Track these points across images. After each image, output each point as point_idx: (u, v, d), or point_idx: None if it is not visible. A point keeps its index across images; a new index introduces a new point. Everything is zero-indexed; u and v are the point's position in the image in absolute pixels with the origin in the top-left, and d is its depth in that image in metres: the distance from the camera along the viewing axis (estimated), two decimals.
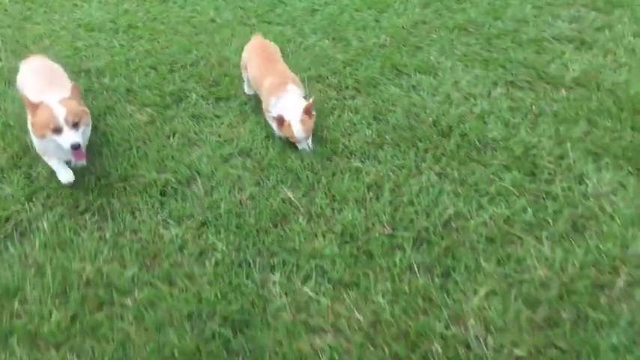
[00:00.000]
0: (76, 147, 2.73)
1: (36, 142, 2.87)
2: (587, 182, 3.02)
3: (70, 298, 2.40)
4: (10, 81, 3.68)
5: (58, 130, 2.70)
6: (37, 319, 2.31)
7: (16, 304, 2.37)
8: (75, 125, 2.74)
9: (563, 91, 3.78)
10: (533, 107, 3.62)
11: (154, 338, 2.24)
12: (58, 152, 2.84)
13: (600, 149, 3.24)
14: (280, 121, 3.18)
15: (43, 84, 3.06)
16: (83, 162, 2.90)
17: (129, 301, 2.39)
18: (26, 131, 3.07)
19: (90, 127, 2.99)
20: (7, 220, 2.78)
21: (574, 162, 3.16)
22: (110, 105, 3.63)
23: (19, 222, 2.76)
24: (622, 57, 4.11)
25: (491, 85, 3.87)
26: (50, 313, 2.33)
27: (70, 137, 2.71)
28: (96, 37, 4.48)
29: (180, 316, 2.34)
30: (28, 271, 2.52)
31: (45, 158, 2.96)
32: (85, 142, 2.90)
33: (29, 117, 2.82)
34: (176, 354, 2.19)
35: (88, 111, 2.94)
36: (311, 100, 3.22)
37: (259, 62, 3.52)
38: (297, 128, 3.14)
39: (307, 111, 3.19)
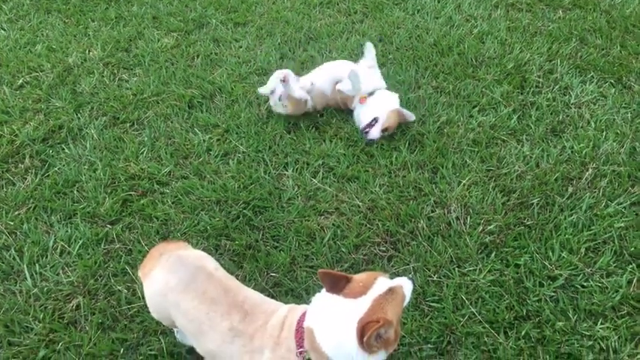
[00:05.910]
0: None
1: None
2: (571, 93, 3.32)
3: (119, 189, 2.89)
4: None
5: None
6: (94, 204, 2.81)
7: (76, 192, 2.88)
8: None
9: (560, 12, 3.99)
10: (530, 27, 3.86)
11: (190, 217, 2.73)
12: None
13: (588, 65, 3.51)
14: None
15: None
16: None
17: (167, 190, 2.88)
18: None
19: None
20: (60, 127, 3.25)
21: (561, 76, 3.45)
22: (140, 30, 4.00)
23: (71, 129, 3.23)
24: None
25: (492, 7, 4.10)
26: (104, 199, 2.83)
27: None
28: None
29: (210, 201, 2.82)
30: (83, 167, 3.01)
31: None
32: None
33: None
34: (209, 229, 2.68)
35: None
36: None
37: None
38: None
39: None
